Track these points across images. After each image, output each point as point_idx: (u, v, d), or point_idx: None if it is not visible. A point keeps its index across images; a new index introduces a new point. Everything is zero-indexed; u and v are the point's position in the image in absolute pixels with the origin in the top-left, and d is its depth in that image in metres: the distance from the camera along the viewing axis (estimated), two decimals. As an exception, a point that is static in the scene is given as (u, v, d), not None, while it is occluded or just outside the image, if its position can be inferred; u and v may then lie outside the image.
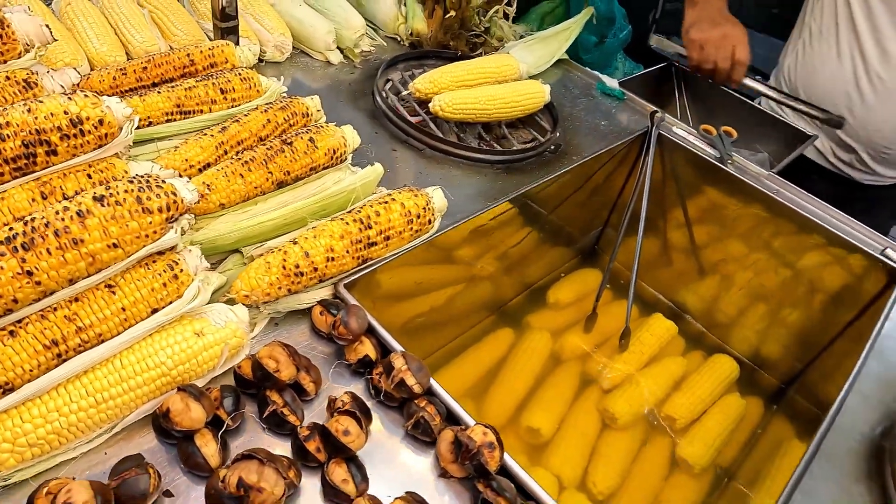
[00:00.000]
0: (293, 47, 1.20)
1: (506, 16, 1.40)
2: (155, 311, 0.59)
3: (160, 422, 0.57)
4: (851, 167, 1.45)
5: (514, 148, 1.14)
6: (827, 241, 1.09)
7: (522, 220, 1.23)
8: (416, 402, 0.64)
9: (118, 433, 0.59)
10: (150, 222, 0.56)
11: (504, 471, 0.62)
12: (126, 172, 0.66)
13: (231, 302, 0.68)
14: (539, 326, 1.26)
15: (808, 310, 1.17)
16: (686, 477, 1.06)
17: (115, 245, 0.54)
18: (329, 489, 0.57)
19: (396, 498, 0.54)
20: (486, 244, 1.14)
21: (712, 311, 1.32)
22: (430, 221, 0.80)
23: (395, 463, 0.63)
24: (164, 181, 0.58)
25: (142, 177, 0.57)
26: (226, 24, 0.99)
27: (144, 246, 0.57)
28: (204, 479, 0.57)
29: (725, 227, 1.26)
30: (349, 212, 0.77)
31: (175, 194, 0.58)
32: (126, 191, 0.55)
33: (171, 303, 0.60)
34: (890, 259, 1.03)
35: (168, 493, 0.56)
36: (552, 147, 1.16)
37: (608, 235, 1.43)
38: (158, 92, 0.87)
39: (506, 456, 0.62)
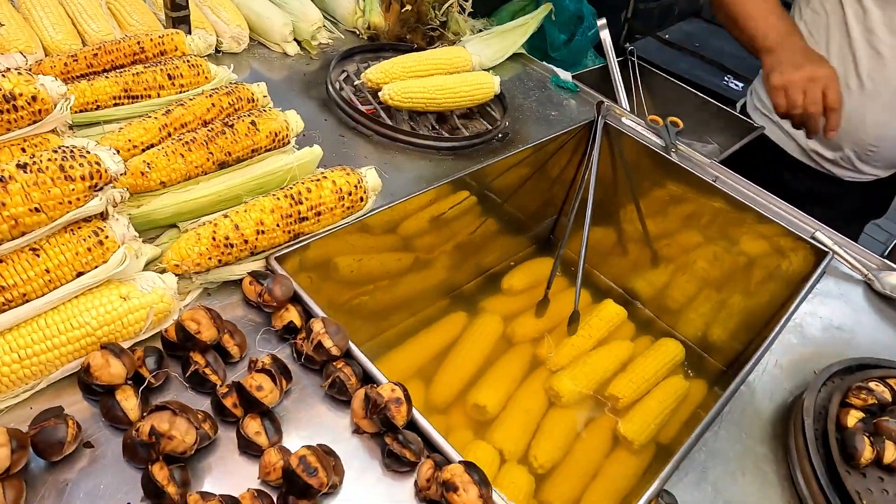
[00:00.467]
0: (251, 39, 1.24)
1: (462, 9, 1.44)
2: (80, 274, 0.62)
3: (82, 377, 0.60)
4: (836, 165, 1.45)
5: (462, 136, 1.18)
6: (763, 225, 1.13)
7: (480, 209, 1.28)
8: (334, 363, 0.68)
9: (44, 390, 0.62)
10: (73, 189, 0.60)
11: (414, 427, 0.65)
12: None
13: (164, 272, 0.72)
14: (492, 311, 1.30)
15: (749, 294, 1.21)
16: (626, 453, 1.10)
17: (37, 210, 0.58)
18: (243, 441, 0.61)
19: (303, 446, 0.58)
20: (445, 232, 1.18)
21: (662, 297, 1.36)
22: (361, 199, 0.84)
23: (313, 421, 0.66)
24: (88, 151, 0.61)
25: (66, 147, 0.61)
26: (177, 14, 1.03)
27: (68, 212, 0.60)
28: (124, 431, 0.60)
29: (673, 215, 1.30)
30: (282, 189, 0.80)
31: (99, 164, 0.61)
32: (49, 159, 0.59)
33: (96, 267, 0.63)
34: (819, 241, 1.08)
35: (88, 444, 0.59)
36: (500, 135, 1.20)
37: (562, 224, 1.47)
38: (107, 77, 0.91)
39: (416, 413, 0.65)
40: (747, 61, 1.90)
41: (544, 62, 1.53)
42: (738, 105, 1.66)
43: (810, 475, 0.71)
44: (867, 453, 0.71)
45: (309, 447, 0.57)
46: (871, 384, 0.79)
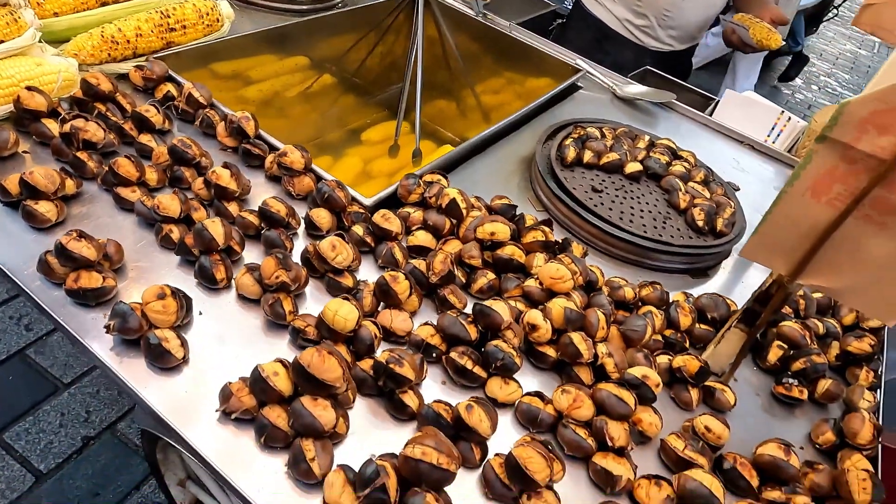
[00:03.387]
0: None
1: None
2: (1, 42, 0.87)
3: (16, 107, 0.85)
4: (643, 32, 1.80)
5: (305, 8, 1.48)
6: (545, 63, 1.51)
7: (336, 81, 1.59)
8: (204, 110, 0.97)
9: (-15, 124, 0.87)
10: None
11: (264, 140, 0.96)
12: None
13: (66, 64, 0.97)
14: (353, 155, 1.61)
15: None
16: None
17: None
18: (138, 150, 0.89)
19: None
20: (311, 105, 1.48)
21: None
22: (218, 20, 1.12)
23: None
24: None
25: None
26: None
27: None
28: (51, 141, 0.86)
29: (487, 69, 1.66)
30: (155, 9, 1.07)
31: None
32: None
33: (14, 39, 0.88)
34: (578, 66, 1.47)
35: (25, 151, 0.85)
36: (338, 3, 1.51)
37: (409, 91, 1.81)
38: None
39: (264, 132, 0.96)
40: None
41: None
42: None
43: (538, 174, 1.08)
44: (571, 154, 1.09)
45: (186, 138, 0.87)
46: (584, 126, 1.18)
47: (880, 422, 0.79)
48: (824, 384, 0.81)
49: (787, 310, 0.90)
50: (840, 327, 0.92)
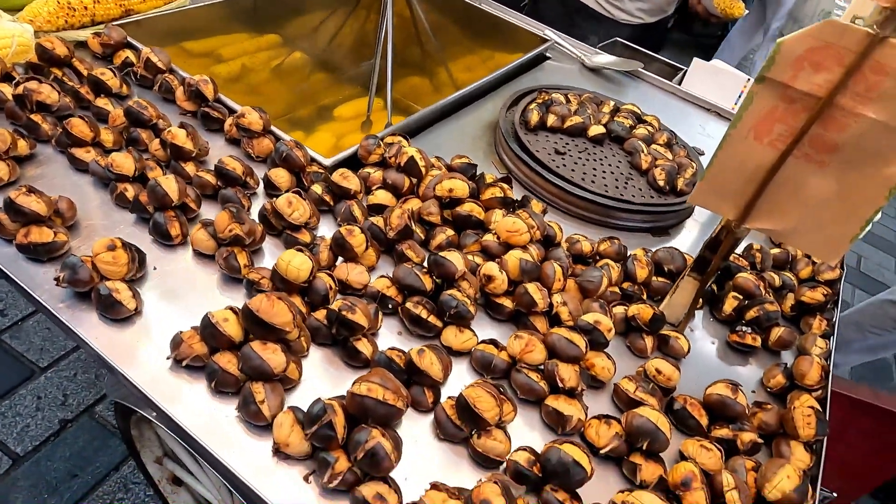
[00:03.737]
0: None
1: None
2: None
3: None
4: (614, 6, 1.82)
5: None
6: (517, 36, 1.52)
7: (308, 58, 1.58)
8: (162, 75, 0.96)
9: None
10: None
11: (223, 103, 0.95)
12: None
13: (22, 31, 0.96)
14: (325, 130, 1.61)
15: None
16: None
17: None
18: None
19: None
20: (282, 82, 1.47)
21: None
22: (178, -12, 1.11)
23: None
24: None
25: None
26: None
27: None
28: (6, 105, 0.85)
29: (460, 45, 1.66)
30: (112, -24, 1.06)
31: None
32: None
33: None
34: (546, 36, 1.48)
35: (-22, 116, 0.85)
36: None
37: (381, 66, 1.80)
38: None
39: (223, 96, 0.95)
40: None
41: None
42: None
43: (501, 138, 1.09)
44: (534, 117, 1.10)
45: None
46: (549, 92, 1.19)
47: (830, 367, 0.81)
48: (777, 332, 0.83)
49: (744, 263, 0.91)
50: (796, 280, 0.94)
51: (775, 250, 0.97)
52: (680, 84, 1.50)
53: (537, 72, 1.41)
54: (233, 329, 0.61)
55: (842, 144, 0.61)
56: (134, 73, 0.97)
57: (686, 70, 1.55)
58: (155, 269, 0.72)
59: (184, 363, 0.61)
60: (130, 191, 0.76)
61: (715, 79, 1.47)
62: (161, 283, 0.71)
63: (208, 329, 0.60)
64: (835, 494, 1.01)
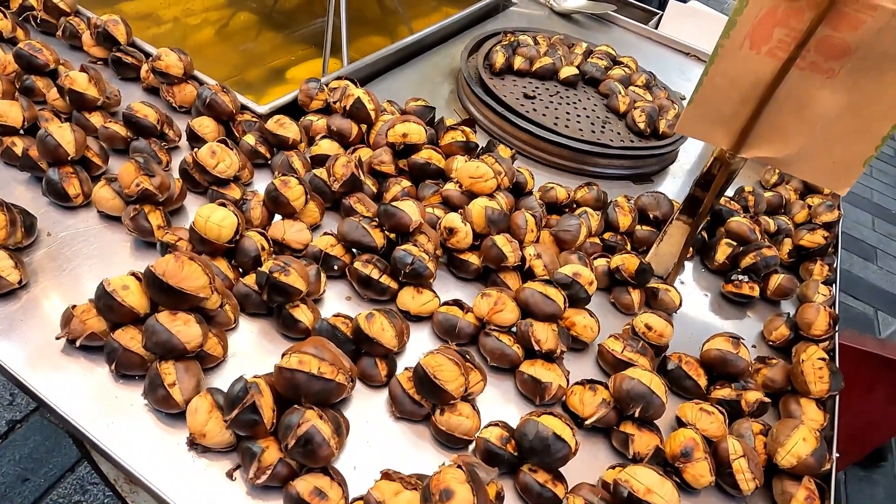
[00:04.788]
0: None
1: None
2: None
3: None
4: None
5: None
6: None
7: (255, 17, 1.44)
8: (66, 18, 0.83)
9: None
10: None
11: (137, 47, 0.83)
12: None
13: None
14: (277, 94, 1.48)
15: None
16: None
17: None
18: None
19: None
20: (229, 43, 1.34)
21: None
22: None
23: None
24: None
25: None
26: None
27: None
28: None
29: (424, 3, 1.54)
30: None
31: None
32: None
33: None
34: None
35: None
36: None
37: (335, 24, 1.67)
38: None
39: (138, 39, 0.82)
40: None
41: None
42: None
43: (464, 83, 0.98)
44: (500, 59, 0.99)
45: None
46: (516, 34, 1.07)
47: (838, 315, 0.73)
48: (776, 279, 0.74)
49: (736, 207, 0.82)
50: (792, 224, 0.86)
51: (768, 194, 0.89)
52: (656, 29, 1.40)
53: (501, 17, 1.29)
54: (135, 299, 0.50)
55: (855, 46, 0.52)
56: (34, 18, 0.83)
57: (662, 14, 1.45)
58: (49, 234, 0.60)
59: (77, 343, 0.50)
60: (19, 145, 0.63)
61: (693, 20, 1.37)
62: (57, 252, 0.59)
63: (104, 300, 0.49)
64: (837, 455, 0.94)
